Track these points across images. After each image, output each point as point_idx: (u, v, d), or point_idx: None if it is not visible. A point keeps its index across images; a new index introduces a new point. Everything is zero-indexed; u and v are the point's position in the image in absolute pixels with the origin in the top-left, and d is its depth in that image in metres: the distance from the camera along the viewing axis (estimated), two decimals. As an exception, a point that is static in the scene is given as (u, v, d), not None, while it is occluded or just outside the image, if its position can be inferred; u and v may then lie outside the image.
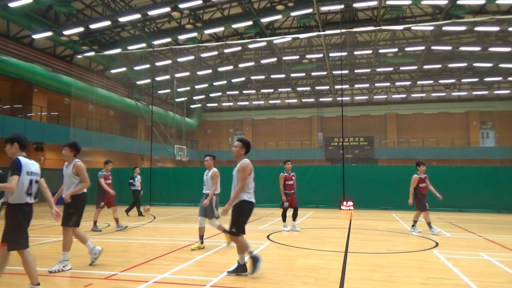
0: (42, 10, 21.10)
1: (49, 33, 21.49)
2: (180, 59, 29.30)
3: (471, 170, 17.24)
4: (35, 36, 21.88)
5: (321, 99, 40.29)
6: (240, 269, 5.46)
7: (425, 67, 31.66)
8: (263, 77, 34.86)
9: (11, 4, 18.15)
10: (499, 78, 32.75)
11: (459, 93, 37.63)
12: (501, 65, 28.62)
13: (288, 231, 9.95)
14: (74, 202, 5.99)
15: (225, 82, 34.69)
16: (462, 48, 27.32)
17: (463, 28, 23.37)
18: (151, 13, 21.18)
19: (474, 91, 37.11)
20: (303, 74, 34.60)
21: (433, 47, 27.78)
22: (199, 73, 32.17)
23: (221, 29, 24.03)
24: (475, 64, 29.85)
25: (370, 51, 29.23)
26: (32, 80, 22.09)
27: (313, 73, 33.14)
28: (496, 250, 7.63)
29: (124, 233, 9.90)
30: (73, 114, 24.88)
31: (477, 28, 23.52)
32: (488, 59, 28.24)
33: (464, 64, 30.08)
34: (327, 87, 37.80)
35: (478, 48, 26.64)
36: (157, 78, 30.37)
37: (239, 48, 28.24)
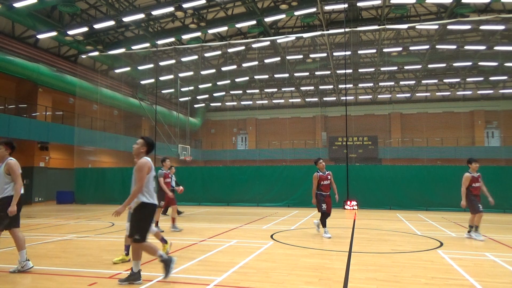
0: (46, 10, 21.20)
1: (54, 33, 21.59)
2: (183, 59, 29.35)
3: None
4: (39, 36, 21.99)
5: (325, 99, 40.21)
6: (133, 277, 4.99)
7: (429, 66, 31.49)
8: (266, 76, 34.83)
9: (16, 4, 18.24)
10: (505, 77, 32.52)
11: (464, 92, 37.42)
12: (506, 64, 28.42)
13: (330, 237, 8.84)
14: (2, 206, 5.48)
15: (228, 81, 34.70)
16: (467, 47, 27.15)
17: (468, 27, 23.23)
18: (155, 12, 21.22)
19: (479, 90, 36.90)
20: (307, 74, 34.54)
21: (437, 46, 27.64)
22: (203, 72, 32.19)
23: (225, 28, 24.04)
24: (480, 63, 29.66)
25: (374, 50, 29.12)
26: (37, 80, 22.21)
27: (317, 73, 33.07)
28: (501, 250, 7.58)
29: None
30: (77, 114, 24.97)
31: (482, 27, 23.36)
32: (493, 58, 28.06)
33: (469, 63, 29.89)
34: (331, 87, 37.71)
35: (483, 47, 26.47)
36: (161, 78, 30.43)
37: (243, 47, 28.23)
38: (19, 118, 20.96)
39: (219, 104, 43.80)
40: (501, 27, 22.95)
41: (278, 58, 30.70)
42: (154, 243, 5.49)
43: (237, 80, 35.20)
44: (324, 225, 9.07)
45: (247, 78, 35.27)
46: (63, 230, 10.37)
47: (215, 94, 40.10)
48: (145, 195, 5.04)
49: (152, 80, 30.34)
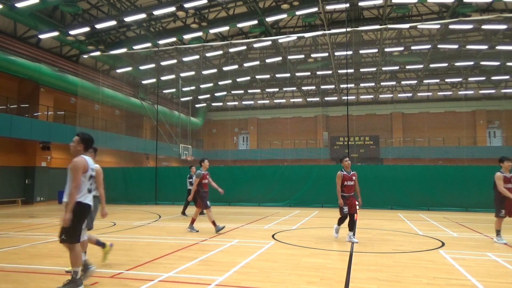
0: (48, 10, 21.24)
1: (56, 33, 21.63)
2: (185, 59, 29.36)
3: (478, 170, 17.09)
4: (41, 36, 22.03)
5: (326, 98, 40.17)
6: (73, 284, 4.68)
7: (431, 65, 31.43)
8: (268, 76, 34.83)
9: (18, 4, 18.28)
10: (507, 77, 32.43)
11: (465, 92, 37.32)
12: (509, 64, 28.35)
13: (357, 242, 8.22)
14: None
15: (230, 81, 34.70)
16: (469, 47, 27.09)
17: (470, 26, 23.18)
18: (157, 12, 21.23)
19: (481, 89, 36.81)
20: (308, 73, 34.51)
21: (439, 46, 27.58)
22: (204, 72, 32.20)
23: (226, 28, 24.04)
24: (482, 63, 29.59)
25: (376, 50, 29.07)
26: (38, 80, 22.25)
27: (318, 72, 33.04)
28: (503, 250, 7.57)
29: (129, 232, 9.95)
30: (79, 114, 25.02)
31: (484, 26, 23.31)
32: (495, 58, 27.98)
33: (471, 63, 29.83)
34: (333, 86, 37.67)
35: (485, 47, 26.40)
36: (163, 78, 30.46)
37: (244, 47, 28.22)
38: (21, 118, 21.01)
39: (221, 104, 43.81)
40: (503, 27, 22.89)
41: (280, 58, 30.68)
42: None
43: (238, 80, 35.20)
44: (351, 229, 8.36)
45: (248, 78, 35.27)
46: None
47: (216, 94, 40.12)
48: (79, 195, 4.80)
49: (154, 80, 30.37)
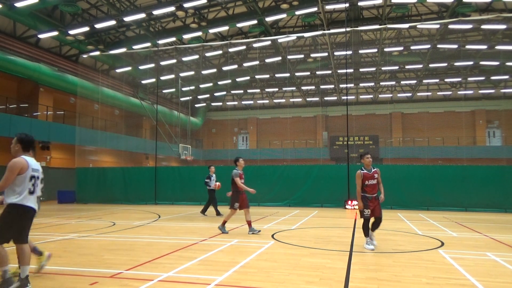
0: (48, 10, 21.23)
1: (55, 33, 21.62)
2: (184, 58, 29.37)
3: (477, 170, 17.12)
4: (41, 36, 22.02)
5: (326, 98, 40.19)
6: (5, 285, 4.52)
7: (430, 65, 31.47)
8: (267, 76, 34.84)
9: (17, 4, 18.28)
10: (506, 77, 32.47)
11: (465, 91, 37.36)
12: (508, 63, 28.37)
13: (373, 249, 7.35)
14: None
15: (229, 81, 34.71)
16: (468, 47, 27.12)
17: (469, 26, 23.20)
18: (156, 12, 21.24)
19: (480, 89, 36.84)
20: (308, 73, 34.54)
21: (439, 46, 27.60)
22: (204, 72, 32.21)
23: (226, 28, 24.04)
24: (482, 63, 29.62)
25: (375, 50, 29.09)
26: (38, 80, 22.24)
27: (317, 72, 33.06)
28: (503, 250, 7.57)
29: (129, 231, 9.94)
30: (78, 113, 25.02)
31: (483, 26, 23.33)
32: (494, 57, 28.01)
33: (471, 63, 29.86)
34: (332, 86, 37.69)
35: (484, 46, 26.43)
36: (162, 77, 30.46)
37: (244, 47, 28.24)
38: (21, 117, 21.01)
39: (220, 103, 43.82)
40: (503, 27, 22.92)
41: (279, 58, 30.69)
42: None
43: (238, 79, 35.21)
44: (366, 234, 7.53)
45: (248, 77, 35.28)
46: (64, 229, 10.38)
47: (216, 94, 40.13)
48: (14, 196, 4.65)
49: (153, 80, 30.38)
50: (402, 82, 36.92)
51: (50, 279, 5.23)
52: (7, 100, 21.44)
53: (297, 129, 39.56)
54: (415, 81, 35.95)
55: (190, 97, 36.07)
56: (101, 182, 21.13)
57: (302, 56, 30.30)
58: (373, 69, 33.11)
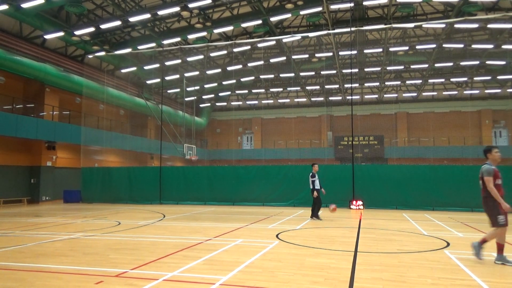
0: (53, 10, 21.36)
1: (61, 33, 21.75)
2: (189, 59, 29.42)
3: (483, 170, 16.96)
4: (47, 36, 22.15)
5: (330, 98, 40.10)
6: None
7: (436, 65, 31.27)
8: (272, 76, 34.82)
9: (24, 5, 18.40)
10: (513, 76, 32.22)
11: (471, 91, 37.11)
12: (515, 63, 28.18)
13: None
14: None
15: (234, 81, 34.72)
16: (474, 46, 26.93)
17: (475, 25, 23.03)
18: (161, 12, 21.29)
19: (486, 89, 36.57)
20: (313, 73, 34.47)
21: (444, 45, 27.43)
22: (209, 72, 32.26)
23: (230, 28, 24.06)
24: (488, 62, 29.41)
25: (380, 50, 28.96)
26: (44, 80, 22.39)
27: (322, 72, 32.99)
28: (509, 251, 7.51)
29: (134, 231, 9.98)
30: (84, 113, 25.15)
31: (489, 26, 23.15)
32: (501, 57, 27.80)
33: (477, 62, 29.64)
34: (337, 86, 37.60)
35: (490, 46, 26.23)
36: (167, 78, 30.55)
37: (248, 47, 28.24)
38: (27, 117, 21.16)
39: (225, 103, 43.87)
40: (509, 26, 22.73)
41: (284, 58, 30.66)
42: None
43: (242, 79, 35.22)
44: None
45: (252, 77, 35.28)
46: (70, 228, 10.45)
47: (220, 94, 40.17)
48: None
49: (158, 80, 30.47)
50: (408, 82, 36.74)
51: (56, 278, 5.27)
52: (14, 100, 21.61)
53: (301, 129, 39.52)
54: (420, 81, 35.76)
55: (195, 97, 36.14)
56: (106, 181, 21.25)
57: (306, 56, 30.24)
58: (378, 68, 32.98)
